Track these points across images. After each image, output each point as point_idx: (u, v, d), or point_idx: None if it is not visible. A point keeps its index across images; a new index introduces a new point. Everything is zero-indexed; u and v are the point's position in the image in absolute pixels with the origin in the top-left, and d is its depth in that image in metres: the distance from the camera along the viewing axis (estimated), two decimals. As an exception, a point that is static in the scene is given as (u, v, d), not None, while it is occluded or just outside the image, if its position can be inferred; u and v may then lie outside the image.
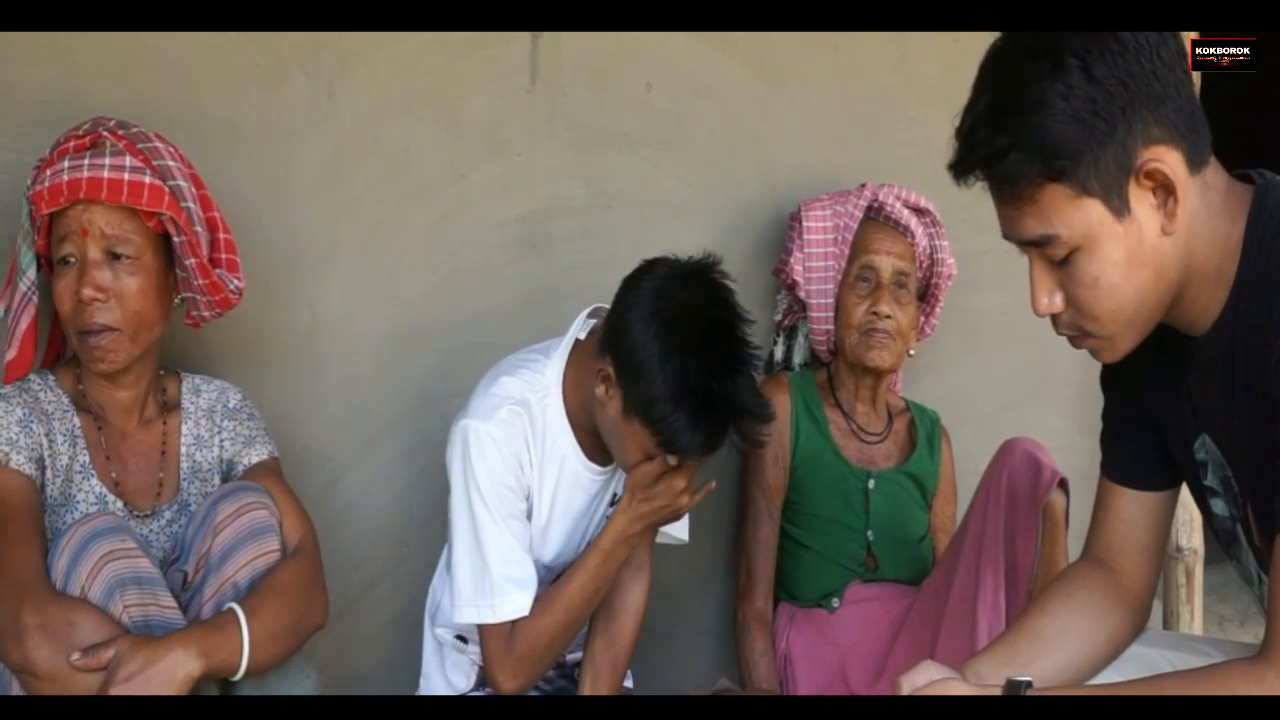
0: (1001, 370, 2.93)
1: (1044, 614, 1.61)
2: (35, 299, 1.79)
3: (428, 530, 2.29)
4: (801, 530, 2.44)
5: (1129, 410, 1.62)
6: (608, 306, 1.94)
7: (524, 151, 2.37)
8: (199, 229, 1.82)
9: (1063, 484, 2.17)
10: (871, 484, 2.45)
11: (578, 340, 1.98)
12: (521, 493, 1.94)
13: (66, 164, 1.72)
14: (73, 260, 1.75)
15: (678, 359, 1.78)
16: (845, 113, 2.71)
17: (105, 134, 1.76)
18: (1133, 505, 1.62)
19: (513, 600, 1.88)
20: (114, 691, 1.51)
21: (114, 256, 1.75)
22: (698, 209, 2.54)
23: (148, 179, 1.75)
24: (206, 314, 1.88)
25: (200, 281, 1.82)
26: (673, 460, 1.86)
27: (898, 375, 2.68)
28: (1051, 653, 1.57)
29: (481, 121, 2.33)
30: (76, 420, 1.79)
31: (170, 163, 1.79)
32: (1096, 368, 1.72)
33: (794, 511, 2.45)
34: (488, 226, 2.36)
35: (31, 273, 1.78)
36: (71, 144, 1.76)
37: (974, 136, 1.35)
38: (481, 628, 1.91)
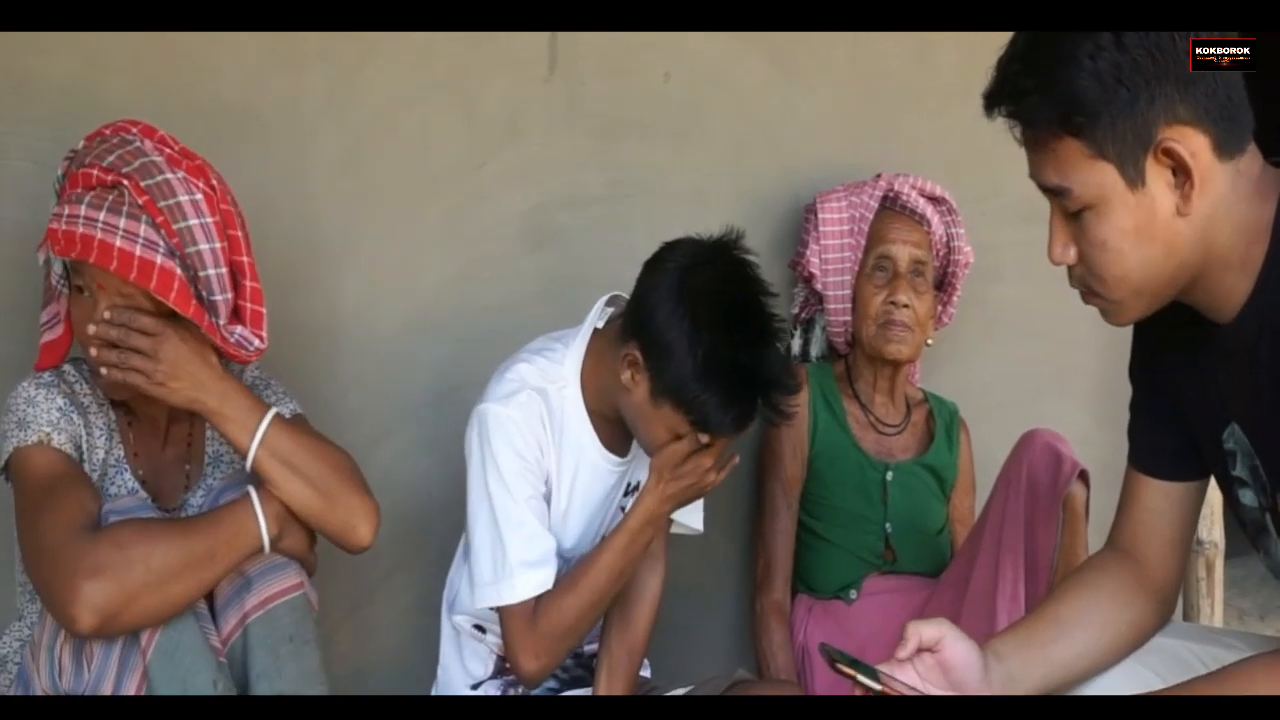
0: (1020, 362, 2.94)
1: (1066, 599, 1.60)
2: (66, 290, 1.75)
3: (445, 519, 2.28)
4: (819, 522, 2.44)
5: (1156, 400, 1.60)
6: (625, 295, 1.93)
7: (541, 141, 2.37)
8: (218, 296, 1.69)
9: (1083, 476, 2.16)
10: (889, 476, 2.45)
11: (596, 329, 1.97)
12: (541, 474, 1.92)
13: (83, 213, 1.61)
14: (87, 293, 1.68)
15: (706, 337, 1.77)
16: (863, 104, 2.71)
17: (127, 184, 1.64)
18: (1159, 496, 1.60)
19: (533, 578, 1.87)
20: None
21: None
22: (714, 200, 2.53)
23: (159, 258, 1.63)
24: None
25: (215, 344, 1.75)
26: (704, 439, 1.85)
27: (916, 366, 2.67)
28: (1072, 636, 1.56)
29: (499, 111, 2.33)
30: (111, 414, 1.77)
31: (193, 221, 1.66)
32: (1116, 360, 1.71)
33: (812, 503, 2.45)
34: (505, 216, 2.36)
35: (59, 267, 1.75)
36: (95, 176, 1.64)
37: (1006, 71, 1.37)
38: (502, 610, 1.90)
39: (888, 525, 2.42)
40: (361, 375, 2.28)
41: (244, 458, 1.69)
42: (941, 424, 2.56)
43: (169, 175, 1.65)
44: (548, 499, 1.96)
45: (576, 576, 1.92)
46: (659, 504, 1.92)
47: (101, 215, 1.62)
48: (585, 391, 1.95)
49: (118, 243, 1.61)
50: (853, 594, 2.39)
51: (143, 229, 1.63)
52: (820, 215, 2.51)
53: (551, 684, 2.10)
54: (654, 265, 1.87)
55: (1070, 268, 1.43)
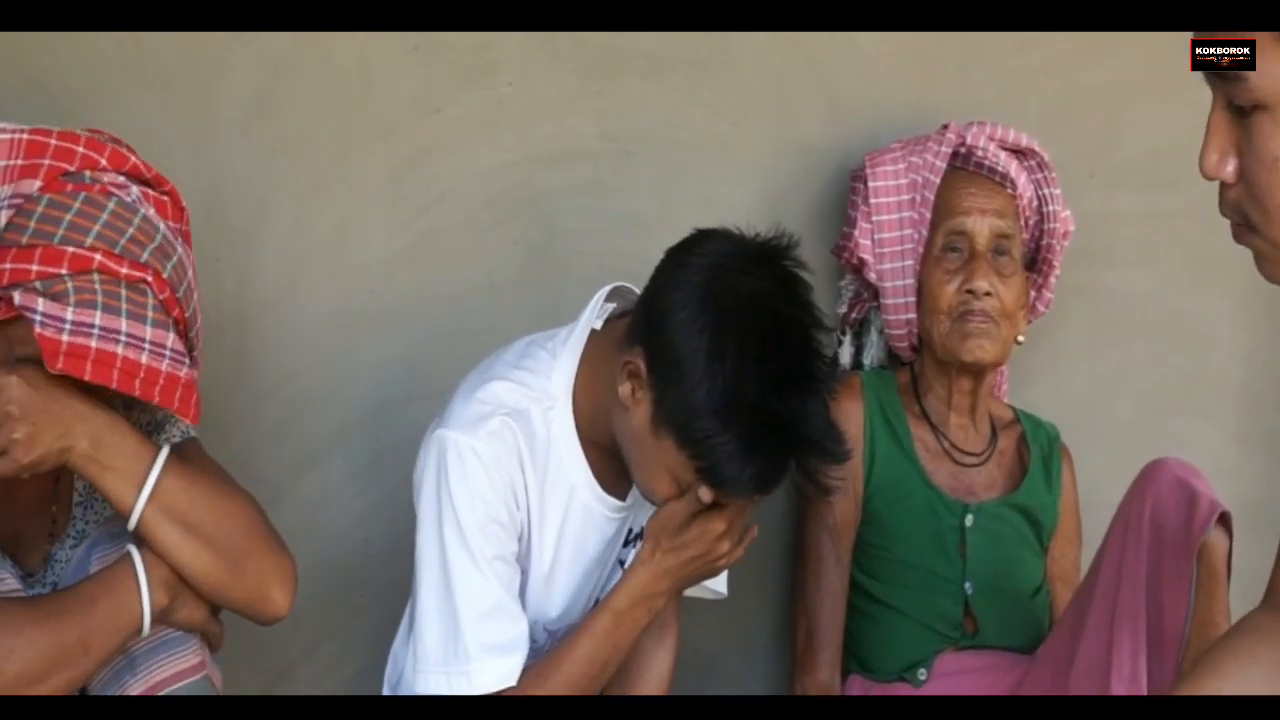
0: (1141, 370, 2.93)
1: (1216, 675, 1.58)
2: None
3: (388, 573, 2.30)
4: (877, 581, 2.43)
5: None
6: (631, 287, 1.94)
7: (516, 80, 2.38)
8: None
9: (1223, 519, 2.13)
10: (969, 520, 2.44)
11: (593, 331, 1.97)
12: (513, 529, 1.92)
13: (98, 320, 1.59)
14: None
15: (733, 363, 1.75)
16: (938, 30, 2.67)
17: (151, 281, 1.65)
18: None
19: (494, 667, 1.86)
20: None
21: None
22: (742, 155, 2.54)
23: (184, 372, 1.65)
24: None
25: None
26: (707, 497, 1.83)
27: (1003, 376, 2.66)
28: None
29: (461, 39, 2.33)
30: None
31: (189, 275, 1.73)
32: (1265, 368, 1.71)
33: (868, 556, 2.44)
34: (468, 176, 2.37)
35: None
36: (98, 259, 1.63)
37: None
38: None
39: (967, 585, 2.41)
40: (278, 384, 2.28)
41: (126, 517, 1.67)
42: (1037, 452, 2.54)
43: (175, 246, 1.69)
44: (525, 556, 1.97)
45: (546, 670, 1.92)
46: (653, 579, 1.92)
47: (123, 324, 1.60)
48: (578, 413, 1.95)
49: (144, 360, 1.61)
50: (921, 675, 2.37)
51: (170, 339, 1.63)
52: (871, 183, 2.49)
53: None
54: (677, 256, 1.86)
55: (1224, 187, 1.41)
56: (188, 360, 1.66)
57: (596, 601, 2.07)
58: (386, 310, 2.33)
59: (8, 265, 1.60)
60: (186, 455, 1.79)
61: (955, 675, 2.37)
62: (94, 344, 1.57)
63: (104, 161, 1.69)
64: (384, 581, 2.31)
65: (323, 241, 2.28)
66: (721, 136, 2.51)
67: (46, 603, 1.63)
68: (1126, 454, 2.42)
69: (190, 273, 1.72)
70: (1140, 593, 2.13)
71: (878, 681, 2.41)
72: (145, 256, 1.64)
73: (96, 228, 1.62)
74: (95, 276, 1.60)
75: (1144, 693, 2.11)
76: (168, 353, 1.62)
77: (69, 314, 1.57)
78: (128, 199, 1.67)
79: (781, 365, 1.78)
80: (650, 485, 1.88)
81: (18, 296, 1.58)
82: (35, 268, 1.59)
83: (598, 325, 1.96)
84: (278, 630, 2.13)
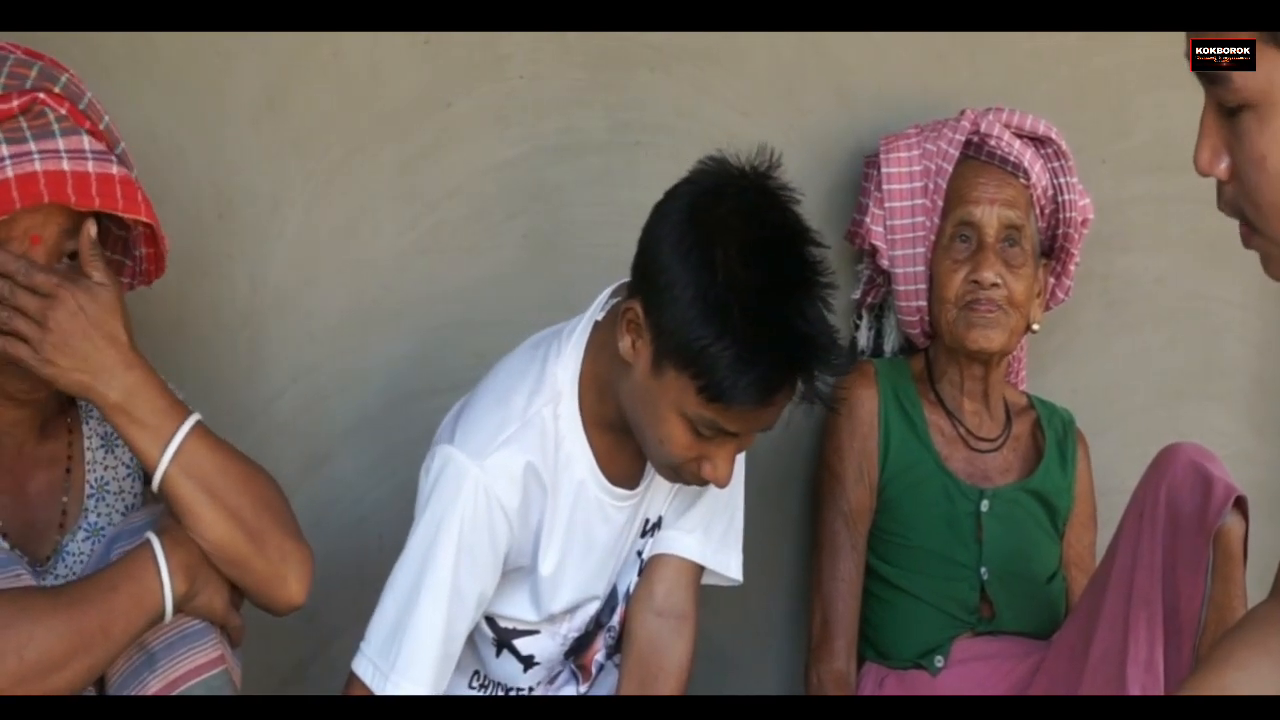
0: (1155, 356, 2.94)
1: (1229, 666, 1.59)
2: None
3: None
4: (893, 567, 2.44)
5: None
6: None
7: (526, 72, 2.39)
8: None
9: (1239, 504, 2.13)
10: (985, 505, 2.44)
11: (596, 323, 1.98)
12: (497, 562, 1.95)
13: (6, 153, 1.62)
14: None
15: (723, 274, 1.76)
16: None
17: (44, 97, 1.68)
18: None
19: (406, 690, 1.91)
20: None
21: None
22: (752, 146, 2.50)
23: (115, 169, 1.68)
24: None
25: (147, 266, 1.82)
26: (709, 418, 1.82)
27: (1020, 363, 2.68)
28: None
29: (470, 33, 2.33)
30: None
31: (107, 117, 1.75)
32: (1278, 353, 1.70)
33: (883, 543, 2.45)
34: (479, 170, 2.38)
35: None
36: None
37: None
38: (354, 682, 1.94)
39: (983, 570, 2.41)
40: (290, 380, 2.29)
41: (151, 474, 1.68)
42: (1052, 437, 2.55)
43: (68, 74, 1.72)
44: (532, 555, 1.99)
45: None
46: None
47: (32, 145, 1.63)
48: (583, 401, 1.96)
49: (66, 165, 1.64)
50: (938, 661, 2.38)
51: (86, 141, 1.66)
52: (885, 169, 2.50)
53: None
54: (664, 198, 1.89)
55: (1221, 184, 1.43)
56: (114, 159, 1.68)
57: (613, 591, 2.11)
58: (398, 305, 2.35)
59: None
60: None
61: (972, 662, 2.39)
62: (10, 173, 1.61)
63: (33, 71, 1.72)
64: (397, 576, 2.29)
65: (334, 237, 2.30)
66: (730, 127, 2.48)
67: (67, 590, 1.63)
68: (1141, 439, 2.48)
69: (90, 93, 1.74)
70: (1156, 578, 2.13)
71: (893, 669, 2.43)
72: (30, 84, 1.66)
73: None
74: None
75: (1160, 678, 2.12)
76: (89, 154, 1.66)
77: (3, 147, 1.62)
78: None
79: (771, 271, 1.79)
80: (660, 434, 1.87)
81: None
82: None
83: (600, 316, 1.98)
84: (292, 626, 2.16)
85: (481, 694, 2.14)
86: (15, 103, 1.65)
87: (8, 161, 1.61)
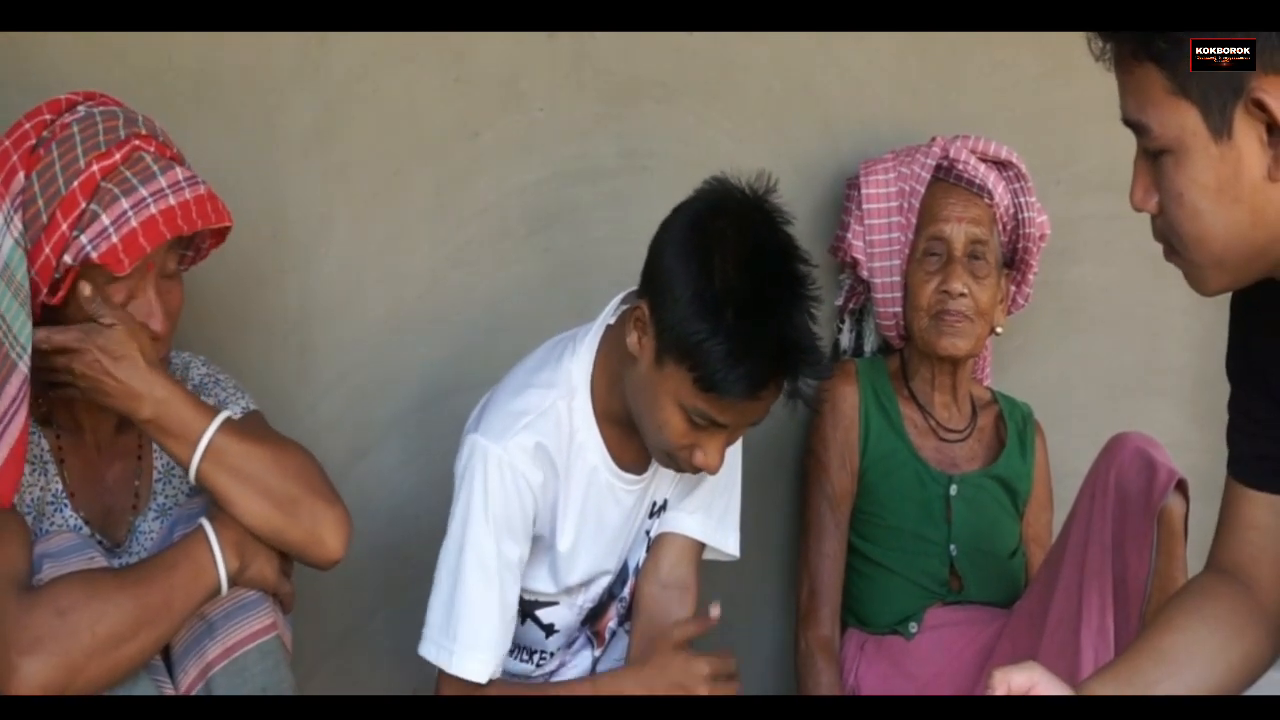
0: (1105, 355, 2.99)
1: (1169, 629, 1.64)
2: (25, 401, 1.68)
3: (434, 548, 2.11)
4: (872, 545, 2.51)
5: (1259, 401, 1.65)
6: None
7: (545, 106, 2.43)
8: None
9: (1180, 486, 2.18)
10: (953, 489, 2.51)
11: (608, 327, 2.04)
12: (527, 531, 2.02)
13: (127, 205, 1.68)
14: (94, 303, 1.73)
15: (720, 278, 1.82)
16: (920, 56, 2.75)
17: (140, 143, 1.73)
18: (1265, 511, 1.66)
19: (474, 660, 1.97)
20: None
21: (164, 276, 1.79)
22: (747, 171, 2.54)
23: (203, 188, 1.76)
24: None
25: (208, 247, 1.90)
26: (703, 409, 1.87)
27: (985, 362, 2.74)
28: (1178, 674, 1.61)
29: (496, 71, 2.39)
30: (44, 442, 1.81)
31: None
32: (1216, 353, 1.76)
33: (863, 523, 2.51)
34: (504, 193, 2.42)
35: (26, 348, 1.67)
36: (97, 170, 1.69)
37: None
38: (440, 671, 2.00)
39: (952, 547, 2.48)
40: (337, 380, 2.34)
41: (187, 473, 1.75)
42: (1013, 428, 2.60)
43: (138, 113, 1.78)
44: (550, 534, 2.05)
45: (523, 693, 2.07)
46: (634, 686, 2.06)
47: (143, 191, 1.69)
48: (595, 397, 2.03)
49: (188, 195, 1.72)
50: (912, 628, 2.45)
51: (179, 173, 1.74)
52: (864, 190, 2.54)
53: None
54: (672, 212, 1.95)
55: (1153, 218, 1.49)
56: (199, 180, 1.76)
57: (624, 567, 2.17)
58: (433, 313, 2.38)
59: (48, 246, 1.68)
60: (249, 425, 1.87)
61: (942, 628, 2.45)
62: (134, 223, 1.67)
63: (46, 114, 1.74)
64: (433, 555, 2.11)
65: (376, 253, 2.34)
66: (728, 154, 2.51)
67: (132, 571, 1.67)
68: (1092, 429, 2.48)
69: (157, 122, 1.80)
70: (1107, 553, 2.19)
71: (873, 634, 2.49)
72: (123, 133, 1.73)
73: (79, 149, 1.70)
74: (101, 181, 1.69)
75: (1111, 642, 2.16)
76: (184, 184, 1.73)
77: (106, 220, 1.68)
78: (80, 114, 1.74)
79: (763, 280, 1.84)
80: (659, 421, 1.92)
81: (68, 258, 1.68)
82: (65, 224, 1.68)
83: (611, 321, 2.04)
84: (338, 597, 2.26)
85: (513, 660, 2.18)
86: (117, 155, 1.70)
87: (130, 214, 1.68)
